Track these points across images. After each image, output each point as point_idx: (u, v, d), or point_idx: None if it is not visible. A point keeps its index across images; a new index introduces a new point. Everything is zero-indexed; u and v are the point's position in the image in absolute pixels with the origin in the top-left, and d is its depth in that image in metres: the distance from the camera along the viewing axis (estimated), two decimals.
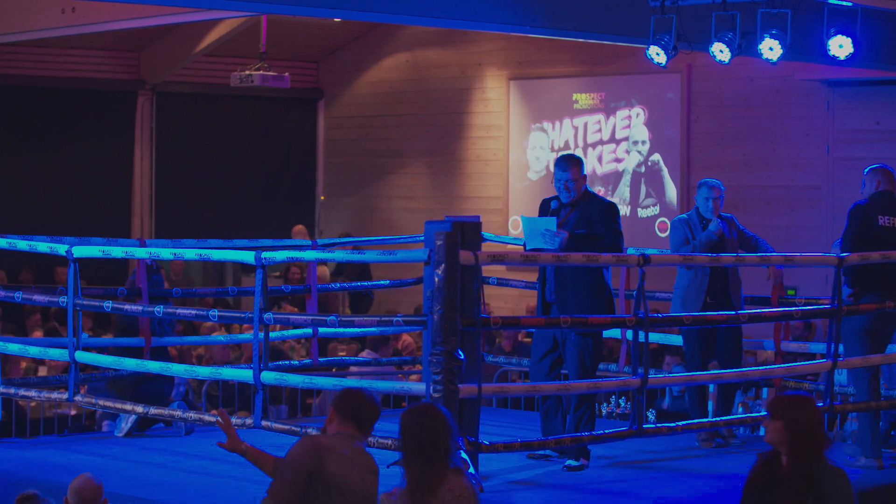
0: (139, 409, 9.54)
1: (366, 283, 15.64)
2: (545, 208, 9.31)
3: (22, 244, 10.14)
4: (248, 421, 8.91)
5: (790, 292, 13.55)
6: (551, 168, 18.19)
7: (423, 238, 8.31)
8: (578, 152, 17.79)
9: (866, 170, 9.78)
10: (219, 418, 6.46)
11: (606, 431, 8.95)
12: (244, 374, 9.18)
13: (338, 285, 15.86)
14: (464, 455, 5.92)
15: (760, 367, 11.01)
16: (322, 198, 20.95)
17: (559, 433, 9.08)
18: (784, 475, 6.08)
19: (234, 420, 9.24)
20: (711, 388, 10.77)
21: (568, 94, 18.17)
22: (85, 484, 6.49)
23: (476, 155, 19.12)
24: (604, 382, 9.36)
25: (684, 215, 10.40)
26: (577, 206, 9.15)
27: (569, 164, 9.19)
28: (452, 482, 5.63)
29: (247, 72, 17.33)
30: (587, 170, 17.65)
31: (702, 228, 10.09)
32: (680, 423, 9.52)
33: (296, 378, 9.27)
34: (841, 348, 9.60)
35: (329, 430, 6.07)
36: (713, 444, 10.13)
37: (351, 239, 15.14)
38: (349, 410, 6.08)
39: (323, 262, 14.61)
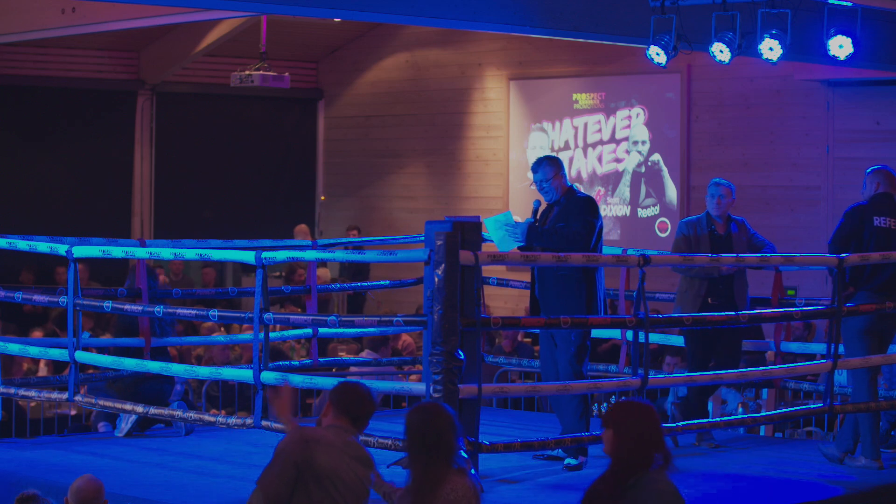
0: (139, 409, 9.54)
1: (366, 284, 15.64)
2: (534, 210, 9.40)
3: (22, 244, 10.14)
4: (248, 421, 8.91)
5: (790, 292, 13.55)
6: None
7: (423, 238, 8.32)
8: (578, 152, 17.81)
9: (867, 171, 9.78)
10: (283, 386, 6.42)
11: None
12: (244, 374, 9.18)
13: (338, 286, 15.86)
14: (464, 455, 5.90)
15: (760, 368, 11.00)
16: (322, 198, 20.95)
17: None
18: (606, 487, 5.55)
19: (233, 420, 9.26)
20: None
21: (568, 94, 18.17)
22: (85, 485, 6.49)
23: (476, 155, 19.12)
24: (604, 382, 9.37)
25: (693, 217, 10.37)
26: (558, 203, 9.24)
27: (539, 166, 9.33)
28: (455, 481, 5.63)
29: (247, 72, 17.34)
30: (587, 169, 17.79)
31: (709, 230, 10.06)
32: (680, 423, 9.52)
33: (296, 378, 9.27)
34: (841, 349, 9.60)
35: (323, 423, 6.06)
36: (712, 443, 10.13)
37: (352, 239, 15.15)
38: (345, 404, 6.07)
39: (323, 262, 14.61)
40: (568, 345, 9.09)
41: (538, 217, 9.28)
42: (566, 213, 9.17)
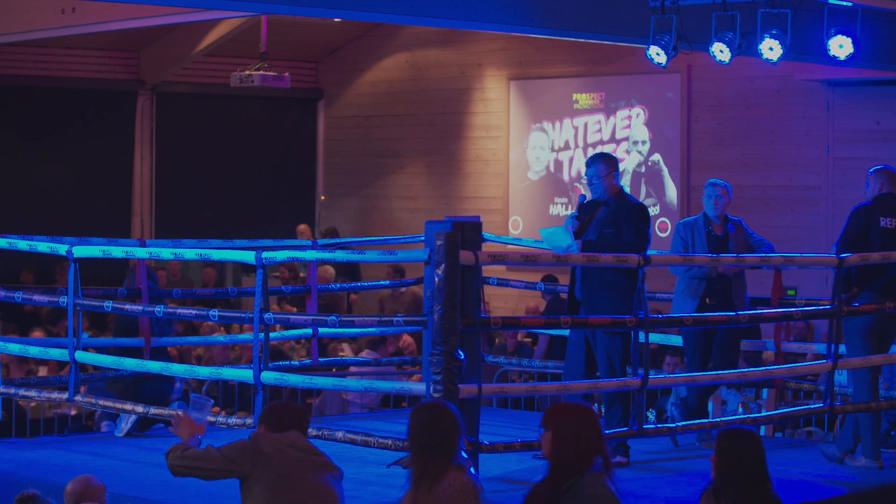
0: (139, 409, 9.53)
1: (367, 284, 15.64)
2: (579, 204, 9.42)
3: (22, 244, 10.14)
4: (249, 421, 8.91)
5: (790, 292, 13.55)
6: (552, 168, 18.34)
7: (423, 238, 8.31)
8: (578, 152, 17.81)
9: (870, 171, 9.76)
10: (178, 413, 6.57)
11: (606, 432, 8.94)
12: (244, 374, 9.17)
13: (338, 286, 15.86)
14: (465, 455, 5.91)
15: (760, 368, 11.00)
16: (322, 198, 20.95)
17: None
18: (545, 490, 5.50)
19: (234, 420, 9.25)
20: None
21: (568, 94, 18.17)
22: (76, 487, 6.50)
23: (476, 155, 19.12)
24: (604, 382, 9.36)
25: (691, 218, 10.36)
26: (607, 204, 9.23)
27: (593, 161, 9.39)
28: (453, 477, 5.64)
29: (247, 72, 17.34)
30: None
31: (706, 231, 10.05)
32: (680, 424, 9.52)
33: (296, 378, 9.27)
34: (842, 348, 9.60)
35: None
36: (713, 443, 10.12)
37: (353, 239, 15.14)
38: (279, 424, 6.19)
39: (323, 262, 14.61)
40: (612, 353, 9.12)
41: (581, 212, 9.27)
42: (616, 218, 9.15)
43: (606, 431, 8.85)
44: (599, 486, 5.47)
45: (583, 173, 17.84)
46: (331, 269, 17.52)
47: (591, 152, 17.79)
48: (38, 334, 14.10)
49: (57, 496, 6.64)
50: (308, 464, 6.08)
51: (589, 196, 9.45)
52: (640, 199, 17.38)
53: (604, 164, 9.30)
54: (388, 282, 13.28)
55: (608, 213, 9.20)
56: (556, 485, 5.48)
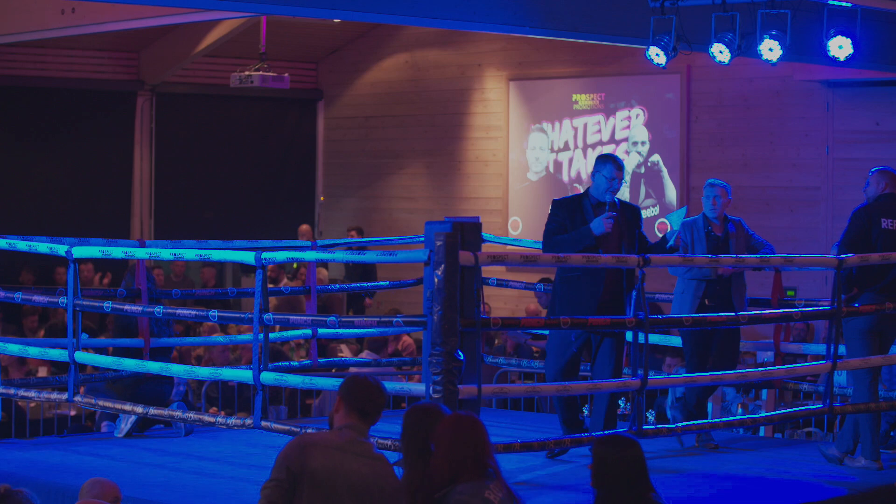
0: (139, 409, 9.53)
1: (366, 284, 15.64)
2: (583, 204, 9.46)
3: (22, 244, 10.14)
4: (248, 421, 8.91)
5: (790, 293, 13.55)
6: (551, 169, 18.34)
7: (423, 239, 8.32)
8: (578, 153, 17.82)
9: (872, 170, 9.75)
10: None
11: (606, 433, 8.95)
12: (244, 374, 9.17)
13: (337, 286, 15.86)
14: None
15: (760, 368, 11.00)
16: (322, 198, 20.95)
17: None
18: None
19: (233, 421, 9.26)
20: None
21: (568, 95, 18.17)
22: (93, 489, 6.49)
23: (476, 155, 19.12)
24: (604, 383, 9.36)
25: (690, 219, 10.36)
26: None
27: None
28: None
29: (246, 72, 17.34)
30: (587, 170, 17.77)
31: (705, 232, 10.06)
32: (680, 424, 9.52)
33: (295, 379, 9.27)
34: (841, 349, 9.60)
35: (336, 420, 5.99)
36: (712, 444, 10.13)
37: (353, 239, 15.15)
38: (352, 399, 6.02)
39: (323, 262, 14.62)
40: (620, 353, 9.23)
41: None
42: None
43: (605, 432, 8.88)
44: (467, 495, 5.45)
45: (582, 174, 17.93)
46: (324, 271, 17.53)
47: (590, 153, 17.82)
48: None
49: (57, 496, 6.65)
50: (362, 479, 5.77)
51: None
52: (640, 200, 17.43)
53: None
54: (387, 282, 13.25)
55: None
56: (428, 495, 5.52)
